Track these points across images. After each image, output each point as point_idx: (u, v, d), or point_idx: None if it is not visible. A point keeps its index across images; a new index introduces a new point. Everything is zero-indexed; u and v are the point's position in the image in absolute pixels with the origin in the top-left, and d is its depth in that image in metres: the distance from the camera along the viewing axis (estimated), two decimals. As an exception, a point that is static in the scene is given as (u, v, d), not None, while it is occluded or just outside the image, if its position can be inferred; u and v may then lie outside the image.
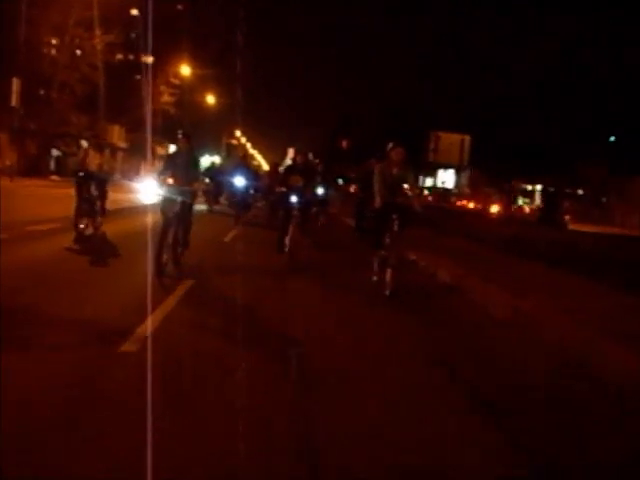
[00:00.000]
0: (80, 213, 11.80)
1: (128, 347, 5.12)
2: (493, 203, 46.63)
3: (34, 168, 31.57)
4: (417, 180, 12.02)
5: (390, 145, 9.14)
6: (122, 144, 45.91)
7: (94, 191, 12.07)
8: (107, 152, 12.21)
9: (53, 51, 29.12)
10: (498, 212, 44.75)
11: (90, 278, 8.32)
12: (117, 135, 43.99)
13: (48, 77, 28.45)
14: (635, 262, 15.47)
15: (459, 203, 46.22)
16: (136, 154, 48.16)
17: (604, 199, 51.47)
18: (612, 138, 32.03)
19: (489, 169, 39.87)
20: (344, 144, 38.50)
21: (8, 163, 27.70)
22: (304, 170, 11.53)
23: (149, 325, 5.61)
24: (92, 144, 12.86)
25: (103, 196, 12.41)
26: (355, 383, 5.00)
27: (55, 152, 34.71)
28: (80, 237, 11.44)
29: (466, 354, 6.24)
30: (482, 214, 41.28)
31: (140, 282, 7.57)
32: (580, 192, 56.51)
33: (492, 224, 31.85)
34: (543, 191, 48.30)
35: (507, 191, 49.32)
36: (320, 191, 15.67)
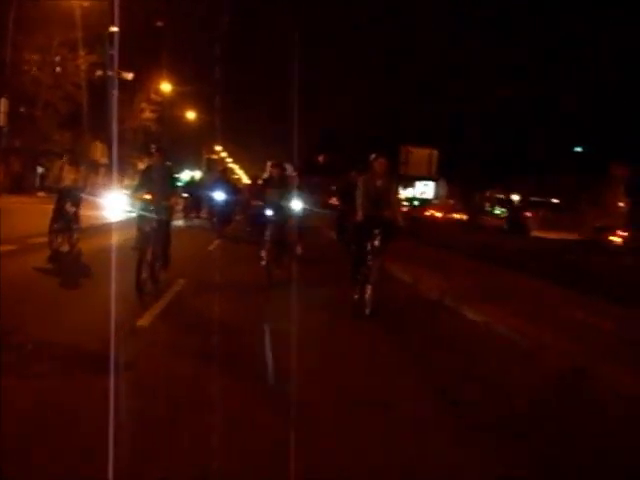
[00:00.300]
0: (55, 230, 11.48)
1: (94, 373, 5.00)
2: (458, 212, 48.25)
3: (19, 185, 32.14)
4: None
5: (373, 156, 8.76)
6: (104, 160, 46.54)
7: (70, 207, 11.76)
8: (83, 167, 12.34)
9: (37, 71, 29.81)
10: (460, 219, 46.52)
11: (62, 299, 8.16)
12: (100, 152, 44.61)
13: (32, 96, 29.21)
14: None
15: (427, 212, 47.67)
16: (117, 170, 48.92)
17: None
18: (578, 148, 33.56)
19: (464, 180, 41.13)
20: (320, 159, 39.60)
21: (-6, 181, 28.31)
22: (280, 183, 11.35)
23: (112, 350, 5.32)
24: (67, 159, 12.24)
25: (78, 211, 12.06)
26: (329, 408, 4.81)
27: (40, 169, 35.33)
28: (55, 255, 11.14)
29: (451, 375, 6.08)
30: (448, 222, 42.85)
31: (116, 302, 7.11)
32: (555, 201, 57.89)
33: (459, 231, 32.96)
34: (507, 201, 49.59)
35: (470, 200, 50.73)
36: (297, 206, 15.22)
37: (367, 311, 8.29)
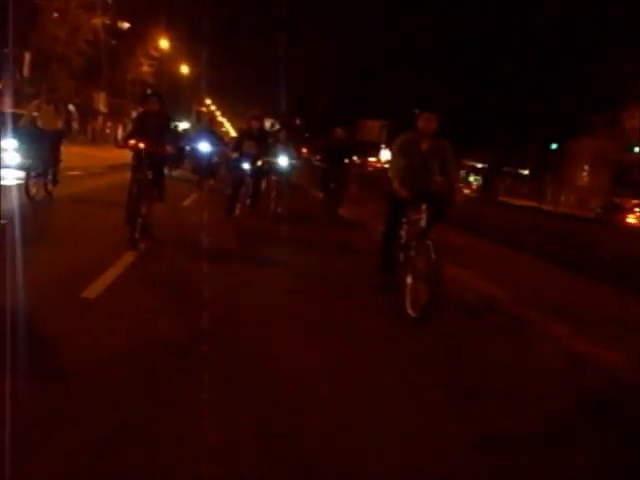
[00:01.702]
0: (31, 175, 10.77)
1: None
2: None
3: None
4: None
5: (416, 111, 6.68)
6: (104, 109, 50.12)
7: (47, 150, 11.03)
8: (61, 106, 11.16)
9: (55, 29, 33.33)
10: None
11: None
12: (102, 101, 48.21)
13: (50, 51, 32.77)
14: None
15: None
16: (114, 118, 52.75)
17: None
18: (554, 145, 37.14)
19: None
20: (297, 122, 43.35)
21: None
22: (259, 136, 10.76)
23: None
24: (45, 98, 11.35)
25: (58, 154, 11.50)
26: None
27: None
28: (28, 198, 10.46)
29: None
30: None
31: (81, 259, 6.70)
32: (524, 172, 62.39)
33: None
34: (481, 169, 53.44)
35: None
36: (284, 161, 13.83)
37: (411, 312, 6.15)
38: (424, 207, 6.38)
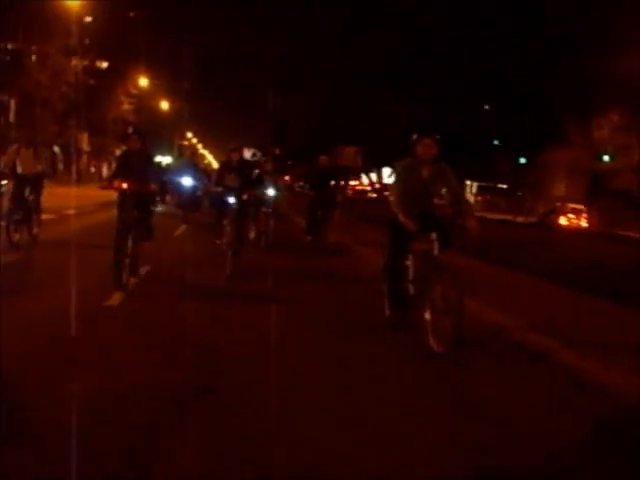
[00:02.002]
0: (14, 221, 10.59)
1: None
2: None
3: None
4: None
5: (414, 137, 6.41)
6: (87, 148, 51.02)
7: (29, 194, 10.97)
8: (42, 150, 11.33)
9: (37, 74, 34.31)
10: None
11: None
12: (85, 141, 49.09)
13: (33, 95, 33.70)
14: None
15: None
16: (97, 157, 53.68)
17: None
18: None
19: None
20: (277, 151, 44.29)
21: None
22: (239, 168, 10.65)
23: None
24: (24, 142, 11.22)
25: (38, 198, 11.35)
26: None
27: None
28: (11, 245, 10.31)
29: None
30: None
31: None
32: (503, 186, 63.34)
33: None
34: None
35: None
36: (271, 192, 14.07)
37: (437, 348, 5.92)
38: (434, 236, 6.12)
